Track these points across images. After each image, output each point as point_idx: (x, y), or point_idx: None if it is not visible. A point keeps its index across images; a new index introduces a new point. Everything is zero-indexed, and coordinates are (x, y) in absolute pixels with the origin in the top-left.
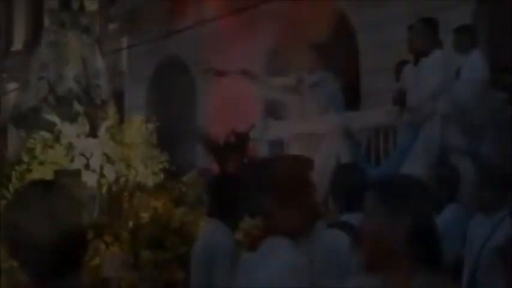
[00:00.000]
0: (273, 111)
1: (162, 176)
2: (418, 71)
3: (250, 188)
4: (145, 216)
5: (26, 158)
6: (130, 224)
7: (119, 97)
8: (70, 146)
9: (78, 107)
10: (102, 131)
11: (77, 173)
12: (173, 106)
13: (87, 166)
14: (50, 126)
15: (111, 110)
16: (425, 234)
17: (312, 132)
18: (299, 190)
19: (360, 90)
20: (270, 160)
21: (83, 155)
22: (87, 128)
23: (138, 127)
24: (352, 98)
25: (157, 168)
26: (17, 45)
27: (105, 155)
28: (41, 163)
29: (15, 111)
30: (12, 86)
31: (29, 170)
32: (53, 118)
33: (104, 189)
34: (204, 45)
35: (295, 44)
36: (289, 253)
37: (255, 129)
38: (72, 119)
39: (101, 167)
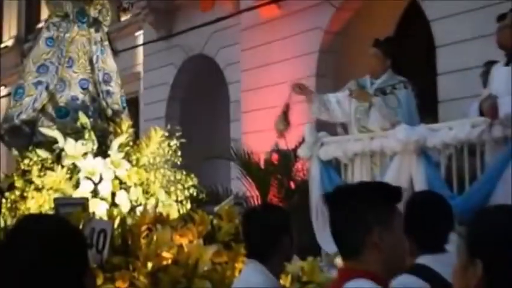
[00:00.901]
0: (327, 123)
1: (188, 205)
2: (511, 73)
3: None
4: (168, 256)
5: (19, 183)
6: (150, 265)
7: (133, 106)
8: (74, 168)
9: (84, 120)
10: (114, 149)
11: (82, 202)
12: (201, 117)
13: (95, 193)
14: (49, 143)
15: (126, 123)
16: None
17: (377, 150)
18: (386, 225)
19: (437, 96)
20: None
21: (90, 179)
22: (95, 145)
23: (159, 144)
24: (428, 106)
25: (183, 196)
26: (7, 41)
27: (117, 179)
28: (38, 189)
29: (6, 124)
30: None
31: (23, 198)
32: (53, 133)
33: (117, 222)
34: (241, 42)
35: (355, 40)
36: None
37: (304, 146)
38: (77, 134)
39: (113, 194)
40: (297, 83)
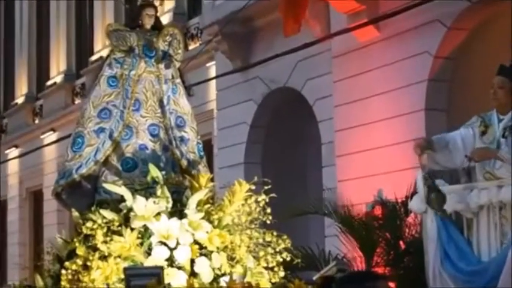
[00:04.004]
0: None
1: (281, 272)
2: None
3: None
4: None
5: (81, 251)
6: None
7: (206, 150)
8: (145, 232)
9: (155, 173)
10: (191, 207)
11: (157, 272)
12: (287, 162)
13: (171, 261)
14: (114, 202)
15: (204, 175)
16: None
17: (508, 201)
18: None
19: None
20: None
21: (164, 244)
22: (169, 203)
23: (244, 200)
24: None
25: (275, 262)
26: (55, 77)
27: (196, 243)
28: (104, 257)
29: (62, 180)
30: (50, 137)
31: (87, 268)
32: (119, 190)
33: None
34: (333, 71)
35: (471, 66)
36: None
37: (417, 198)
38: (147, 190)
39: (192, 262)
40: (419, 142)
